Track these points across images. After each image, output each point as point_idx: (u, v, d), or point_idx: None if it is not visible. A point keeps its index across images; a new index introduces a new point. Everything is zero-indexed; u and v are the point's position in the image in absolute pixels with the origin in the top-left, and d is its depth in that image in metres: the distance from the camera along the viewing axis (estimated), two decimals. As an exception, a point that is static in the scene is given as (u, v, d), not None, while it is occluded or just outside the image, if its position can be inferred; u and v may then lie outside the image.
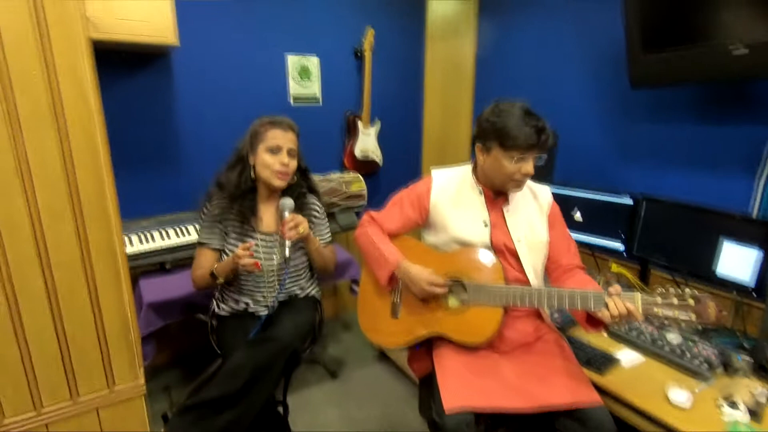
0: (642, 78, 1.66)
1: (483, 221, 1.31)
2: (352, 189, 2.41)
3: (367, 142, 2.66)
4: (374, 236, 1.39)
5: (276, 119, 1.51)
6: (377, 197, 2.83)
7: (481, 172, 1.33)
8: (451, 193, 1.37)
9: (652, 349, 1.38)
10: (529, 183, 1.36)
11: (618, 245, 1.72)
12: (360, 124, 2.61)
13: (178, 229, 1.99)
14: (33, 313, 1.00)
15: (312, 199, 1.66)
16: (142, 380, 1.24)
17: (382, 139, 2.72)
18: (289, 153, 1.50)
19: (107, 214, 1.03)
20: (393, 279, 1.34)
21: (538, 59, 2.29)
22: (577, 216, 1.84)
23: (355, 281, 2.19)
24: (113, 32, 1.68)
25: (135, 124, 2.06)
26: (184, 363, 2.31)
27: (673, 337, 1.39)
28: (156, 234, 1.94)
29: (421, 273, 1.26)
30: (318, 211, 1.67)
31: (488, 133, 1.22)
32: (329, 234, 1.72)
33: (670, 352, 1.35)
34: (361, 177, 2.49)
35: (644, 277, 1.73)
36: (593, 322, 1.14)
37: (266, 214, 1.58)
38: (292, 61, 2.41)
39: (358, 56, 2.58)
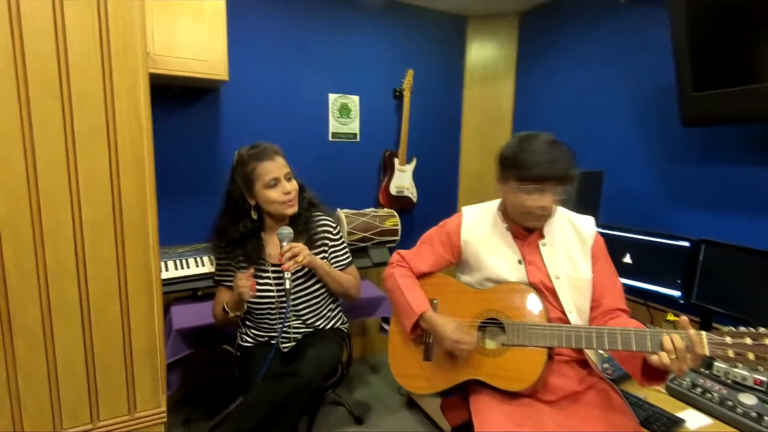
0: (694, 117, 1.59)
1: (517, 259, 1.24)
2: (386, 225, 2.38)
3: (403, 179, 2.66)
4: (400, 279, 1.32)
5: (257, 151, 1.45)
6: (411, 235, 2.79)
7: (505, 207, 1.27)
8: (483, 231, 1.30)
9: (722, 411, 1.21)
10: (570, 214, 1.28)
11: (674, 292, 1.58)
12: (396, 161, 2.62)
13: (212, 258, 2.00)
14: (65, 328, 1.00)
15: (322, 219, 1.58)
16: (163, 407, 1.20)
17: (418, 176, 2.72)
18: (286, 178, 1.46)
19: (146, 234, 1.04)
20: (418, 327, 1.27)
21: (579, 102, 2.27)
22: (626, 258, 1.72)
23: (386, 320, 2.11)
24: (171, 68, 1.79)
25: (181, 154, 2.15)
26: (207, 397, 2.25)
27: (747, 398, 1.22)
28: (191, 261, 1.96)
29: (446, 329, 1.17)
30: (331, 232, 1.58)
31: (506, 165, 1.16)
32: (347, 256, 1.63)
33: (744, 415, 1.18)
34: (395, 213, 2.46)
35: (706, 329, 1.57)
36: (650, 373, 1.02)
37: (273, 246, 1.52)
38: (333, 98, 2.48)
39: (397, 96, 2.64)
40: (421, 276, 1.36)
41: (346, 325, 1.69)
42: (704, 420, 1.21)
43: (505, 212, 1.28)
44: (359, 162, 2.63)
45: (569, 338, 1.07)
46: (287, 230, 1.44)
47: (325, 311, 1.59)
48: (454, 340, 1.15)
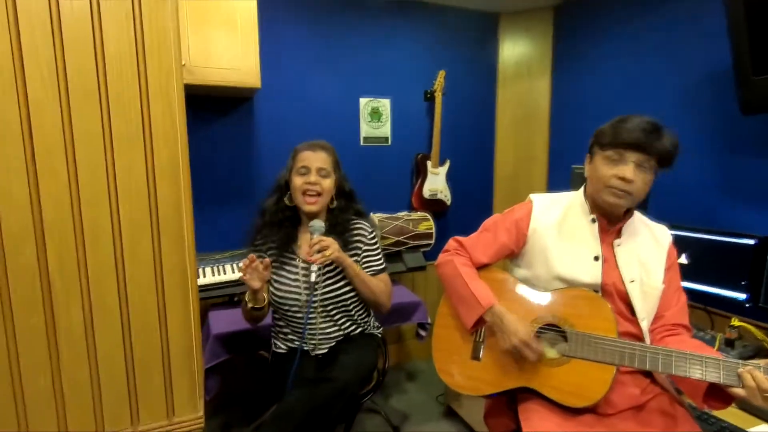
0: (755, 102, 1.46)
1: (594, 255, 1.13)
2: (420, 228, 2.33)
3: (436, 182, 2.61)
4: (462, 268, 1.21)
5: (311, 142, 1.50)
6: (445, 238, 2.71)
7: (590, 194, 1.16)
8: (556, 219, 1.19)
9: (804, 428, 1.08)
10: (646, 219, 1.20)
11: (739, 295, 1.45)
12: (429, 164, 2.57)
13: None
14: (106, 331, 1.01)
15: (359, 224, 1.54)
16: (201, 413, 1.19)
17: (451, 179, 2.66)
18: (319, 172, 1.43)
19: (182, 236, 1.04)
20: (480, 322, 1.18)
21: (624, 95, 2.15)
22: (682, 258, 1.59)
23: (422, 325, 2.05)
24: (206, 79, 1.82)
25: (217, 163, 2.19)
26: (246, 403, 2.26)
27: (833, 414, 1.09)
28: (228, 267, 1.98)
29: (516, 326, 1.08)
30: (366, 236, 1.53)
31: (594, 137, 1.13)
32: (381, 263, 1.56)
33: (831, 433, 1.05)
34: (429, 216, 2.41)
35: (775, 335, 1.42)
36: (715, 396, 0.92)
37: (306, 243, 1.48)
38: (363, 102, 2.47)
39: (428, 98, 2.60)
40: (479, 268, 1.27)
41: (380, 330, 1.64)
42: (781, 437, 1.09)
43: (593, 201, 1.17)
44: (391, 166, 2.60)
45: (642, 359, 0.97)
46: (319, 223, 1.42)
47: (356, 314, 1.54)
48: (523, 341, 1.06)
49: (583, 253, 1.14)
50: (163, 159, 0.99)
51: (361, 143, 2.50)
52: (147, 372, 1.07)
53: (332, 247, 1.38)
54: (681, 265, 1.58)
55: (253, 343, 1.77)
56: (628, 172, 1.03)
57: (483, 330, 1.20)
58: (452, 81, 2.61)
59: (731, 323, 1.45)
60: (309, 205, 1.44)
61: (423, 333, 2.05)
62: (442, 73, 2.54)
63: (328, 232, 1.44)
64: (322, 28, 2.32)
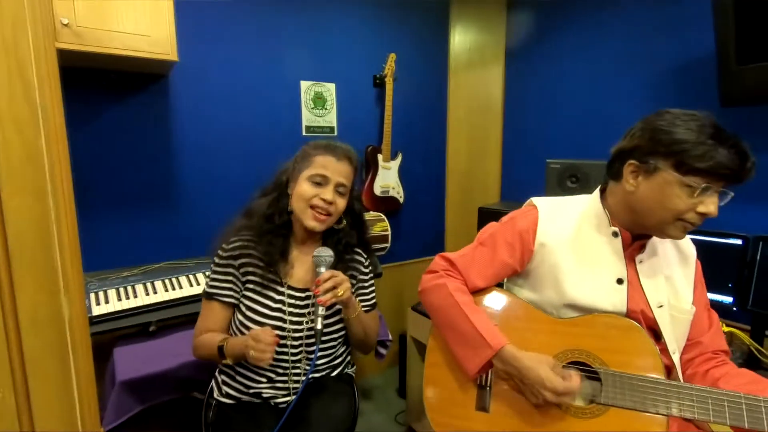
0: (737, 94, 1.38)
1: (617, 278, 0.93)
2: (375, 230, 2.07)
3: (388, 178, 2.35)
4: (459, 296, 0.96)
5: (332, 144, 1.17)
6: (398, 240, 2.49)
7: (623, 206, 0.93)
8: (568, 233, 0.97)
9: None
10: None
11: (724, 298, 1.37)
12: (380, 157, 2.31)
13: (167, 281, 1.61)
14: None
15: (358, 254, 1.28)
16: None
17: (403, 174, 2.42)
18: (338, 189, 1.13)
19: (54, 270, 0.67)
20: (488, 366, 0.93)
21: (589, 87, 2.03)
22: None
23: (383, 343, 1.79)
24: (101, 45, 1.39)
25: (124, 157, 1.74)
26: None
27: None
28: (140, 288, 1.56)
29: (540, 375, 0.84)
30: (362, 265, 1.27)
31: (656, 147, 0.84)
32: (373, 298, 1.31)
33: None
34: (383, 216, 2.16)
35: (758, 338, 1.37)
36: None
37: (299, 264, 1.19)
38: (305, 86, 2.14)
39: (378, 83, 2.33)
40: (475, 293, 1.02)
41: (354, 368, 1.35)
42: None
43: (612, 212, 0.96)
44: (338, 160, 2.30)
45: (704, 407, 0.77)
46: (328, 253, 1.12)
47: (337, 357, 1.24)
48: (559, 392, 0.82)
49: (603, 275, 0.94)
50: (12, 154, 0.62)
51: (304, 133, 2.17)
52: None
53: (344, 285, 1.08)
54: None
55: (180, 386, 1.39)
56: (714, 207, 0.82)
57: (490, 373, 0.96)
58: (402, 67, 2.36)
59: (718, 328, 1.37)
60: (316, 222, 1.12)
61: (383, 351, 1.80)
62: (392, 57, 2.28)
63: (336, 259, 1.15)
64: (256, -4, 1.95)
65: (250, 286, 1.16)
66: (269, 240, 1.14)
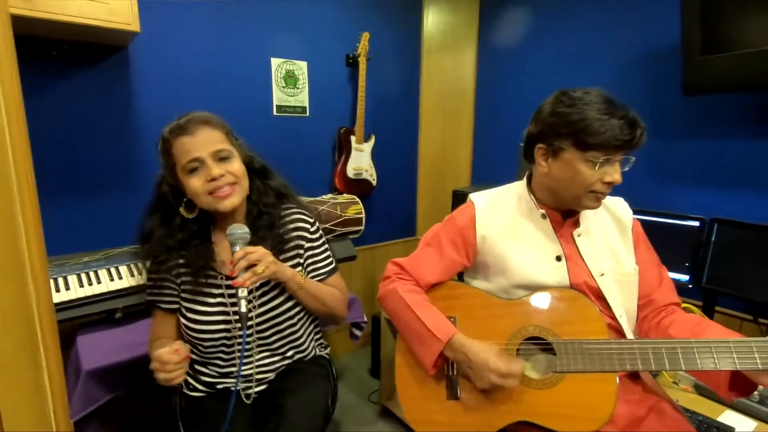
0: (699, 83, 1.45)
1: (555, 255, 1.00)
2: (349, 213, 2.05)
3: (361, 160, 2.33)
4: (407, 296, 1.02)
5: (177, 123, 1.02)
6: (371, 223, 2.48)
7: (544, 187, 1.02)
8: (504, 222, 1.05)
9: (765, 412, 1.09)
10: None
11: (681, 276, 1.46)
12: (353, 138, 2.28)
13: (133, 266, 1.54)
14: None
15: (295, 214, 1.17)
16: None
17: (375, 157, 2.40)
18: (216, 157, 1.01)
19: (19, 261, 0.62)
20: (442, 359, 0.98)
21: (559, 72, 2.07)
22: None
23: (357, 325, 1.80)
24: (53, 11, 1.28)
25: (81, 137, 1.63)
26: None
27: (790, 395, 1.12)
28: (103, 273, 1.49)
29: (485, 356, 0.89)
30: (308, 230, 1.17)
31: (557, 129, 0.92)
32: (329, 262, 1.21)
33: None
34: (357, 199, 2.14)
35: (709, 312, 1.47)
36: (738, 385, 0.84)
37: (226, 252, 1.09)
38: (276, 64, 2.06)
39: (351, 63, 2.28)
40: (428, 289, 1.07)
41: (328, 349, 1.35)
42: (749, 424, 1.08)
43: (537, 195, 1.03)
44: (310, 141, 2.25)
45: (645, 358, 0.84)
46: (241, 229, 1.01)
47: (303, 337, 1.19)
48: (503, 373, 0.87)
49: (541, 255, 1.01)
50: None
51: (275, 113, 2.10)
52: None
53: (264, 260, 1.00)
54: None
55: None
56: (618, 175, 0.92)
57: (453, 363, 1.00)
58: (376, 47, 2.32)
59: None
60: (225, 199, 1.02)
61: (358, 333, 1.81)
62: (366, 36, 2.23)
63: (254, 233, 1.05)
64: (222, -36, 1.84)
65: (187, 287, 1.09)
66: (184, 249, 1.07)
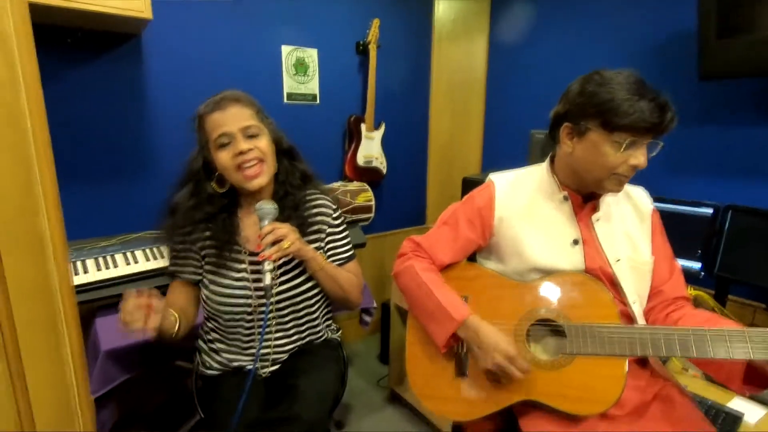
0: (716, 68, 1.42)
1: (572, 239, 0.99)
2: (359, 200, 2.07)
3: (371, 148, 2.33)
4: (424, 274, 1.03)
5: (215, 99, 1.07)
6: (380, 210, 2.50)
7: (566, 169, 1.00)
8: (523, 204, 1.04)
9: (775, 398, 1.09)
10: None
11: (693, 264, 1.45)
12: (363, 126, 2.28)
13: (148, 251, 1.58)
14: None
15: (319, 199, 1.21)
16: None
17: (385, 145, 2.40)
18: (246, 133, 1.05)
19: (40, 238, 0.65)
20: (454, 338, 0.99)
21: (570, 59, 2.05)
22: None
23: (367, 311, 1.83)
24: (70, 1, 1.30)
25: (94, 124, 1.66)
26: (156, 423, 1.86)
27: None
28: (120, 258, 1.52)
29: (497, 340, 0.91)
30: (330, 215, 1.21)
31: (584, 109, 0.89)
32: (349, 249, 1.25)
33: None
34: (367, 187, 2.15)
35: (722, 300, 1.46)
36: (753, 379, 0.84)
37: (251, 228, 1.15)
38: (287, 51, 2.07)
39: (361, 50, 2.27)
40: (443, 268, 1.08)
41: (339, 332, 1.37)
42: (758, 411, 1.08)
43: (560, 176, 1.02)
44: (320, 128, 2.25)
45: (656, 344, 0.84)
46: (270, 205, 1.06)
47: (318, 319, 1.22)
48: (508, 356, 0.88)
49: (559, 238, 1.00)
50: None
51: (285, 101, 2.11)
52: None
53: (290, 236, 1.04)
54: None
55: (165, 354, 1.39)
56: (643, 158, 0.88)
57: (463, 342, 1.01)
58: (385, 34, 2.31)
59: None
60: (254, 179, 1.06)
61: (368, 318, 1.84)
62: (376, 22, 2.22)
63: (281, 213, 1.09)
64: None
65: (210, 259, 1.13)
66: (212, 225, 1.10)
